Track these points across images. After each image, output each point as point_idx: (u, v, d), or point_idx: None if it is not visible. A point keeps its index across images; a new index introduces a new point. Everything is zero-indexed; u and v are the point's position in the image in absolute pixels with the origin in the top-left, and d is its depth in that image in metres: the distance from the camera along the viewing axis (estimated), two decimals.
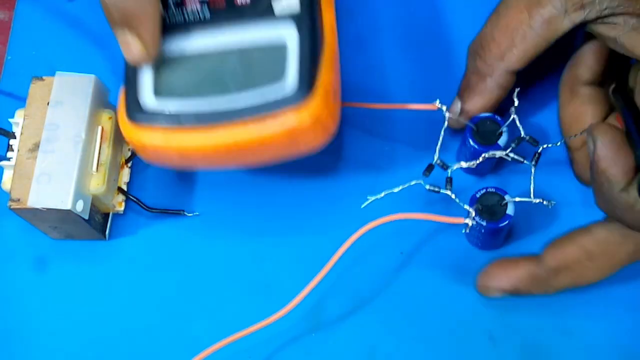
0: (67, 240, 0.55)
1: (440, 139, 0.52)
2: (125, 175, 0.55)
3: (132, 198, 0.55)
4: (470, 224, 0.51)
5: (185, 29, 0.48)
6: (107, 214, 0.55)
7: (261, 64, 0.47)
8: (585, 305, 0.53)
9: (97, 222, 0.54)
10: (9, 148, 0.52)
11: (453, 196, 0.51)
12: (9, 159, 0.51)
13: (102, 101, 0.53)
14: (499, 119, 0.53)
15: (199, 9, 0.49)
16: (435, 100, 0.53)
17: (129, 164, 0.55)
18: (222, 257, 0.55)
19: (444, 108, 0.52)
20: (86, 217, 0.51)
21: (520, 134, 0.52)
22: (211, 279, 0.54)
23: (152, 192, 0.56)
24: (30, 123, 0.51)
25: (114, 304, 0.54)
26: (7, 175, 0.51)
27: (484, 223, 0.51)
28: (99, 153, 0.52)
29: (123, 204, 0.55)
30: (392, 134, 0.57)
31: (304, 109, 0.46)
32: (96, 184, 0.52)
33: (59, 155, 0.50)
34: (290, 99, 0.46)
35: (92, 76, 0.52)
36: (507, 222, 0.51)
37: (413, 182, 0.51)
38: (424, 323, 0.52)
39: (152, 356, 0.53)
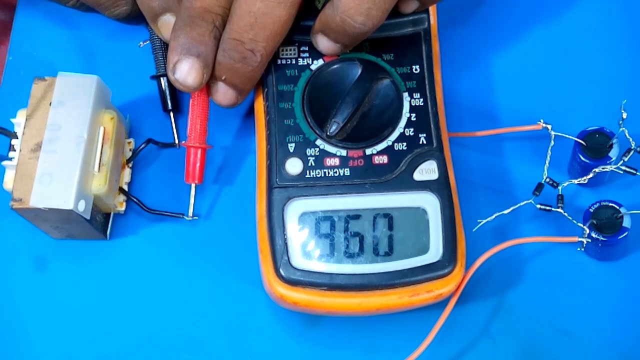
0: (68, 240, 0.55)
1: (548, 157, 0.53)
2: (126, 175, 0.55)
3: (133, 199, 0.55)
4: (585, 242, 0.52)
5: (327, 188, 0.51)
6: (109, 214, 0.55)
7: (404, 229, 0.50)
8: (585, 306, 0.53)
9: (99, 222, 0.54)
10: (11, 148, 0.52)
11: (566, 214, 0.52)
12: (11, 159, 0.51)
13: (104, 102, 0.53)
14: (608, 130, 0.54)
15: (337, 166, 0.51)
16: (539, 120, 0.54)
17: (130, 164, 0.56)
18: (222, 257, 0.55)
19: (549, 127, 0.53)
20: (88, 217, 0.51)
21: (631, 146, 0.53)
22: (211, 280, 0.54)
23: (153, 193, 0.56)
24: (32, 123, 0.51)
25: (114, 304, 0.54)
26: (9, 175, 0.51)
27: (600, 237, 0.51)
28: (101, 153, 0.52)
29: (124, 204, 0.55)
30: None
31: (451, 278, 0.50)
32: (98, 184, 0.52)
33: (61, 156, 0.50)
34: (438, 269, 0.50)
35: (95, 76, 0.52)
36: (623, 235, 0.51)
37: (523, 203, 0.52)
38: (423, 322, 0.52)
39: (152, 356, 0.53)
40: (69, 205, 0.50)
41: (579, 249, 0.53)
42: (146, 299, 0.54)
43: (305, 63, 0.53)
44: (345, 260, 0.50)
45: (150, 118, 0.58)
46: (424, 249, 0.50)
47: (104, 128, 0.53)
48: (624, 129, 0.53)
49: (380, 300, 0.50)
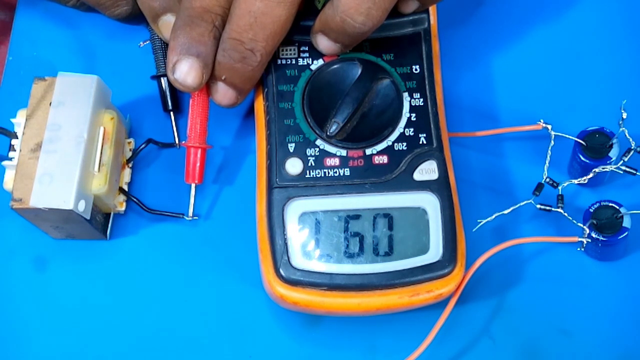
0: (67, 240, 0.55)
1: (548, 157, 0.53)
2: (126, 175, 0.55)
3: (133, 199, 0.55)
4: (585, 242, 0.52)
5: (327, 188, 0.51)
6: (109, 214, 0.55)
7: (404, 229, 0.50)
8: (585, 306, 0.53)
9: (99, 222, 0.54)
10: (11, 148, 0.52)
11: (566, 214, 0.52)
12: (11, 159, 0.51)
13: (104, 101, 0.53)
14: (608, 130, 0.54)
15: (337, 166, 0.51)
16: (539, 120, 0.54)
17: (130, 164, 0.56)
18: (222, 257, 0.55)
19: (549, 127, 0.53)
20: (88, 217, 0.51)
21: (631, 146, 0.53)
22: (211, 280, 0.54)
23: (153, 193, 0.56)
24: (32, 123, 0.51)
25: (114, 304, 0.54)
26: (9, 175, 0.51)
27: (600, 237, 0.51)
28: (101, 153, 0.52)
29: (124, 204, 0.55)
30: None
31: (451, 278, 0.50)
32: (98, 184, 0.52)
33: (61, 156, 0.50)
34: (438, 269, 0.50)
35: (95, 76, 0.52)
36: (623, 235, 0.51)
37: (523, 203, 0.52)
38: (423, 322, 0.52)
39: (152, 356, 0.53)
40: (69, 205, 0.50)
41: (579, 249, 0.53)
42: (146, 299, 0.54)
43: (305, 63, 0.53)
44: (345, 260, 0.50)
45: (150, 118, 0.58)
46: (424, 249, 0.50)
47: (104, 128, 0.53)
48: (624, 129, 0.53)
49: (380, 300, 0.50)
